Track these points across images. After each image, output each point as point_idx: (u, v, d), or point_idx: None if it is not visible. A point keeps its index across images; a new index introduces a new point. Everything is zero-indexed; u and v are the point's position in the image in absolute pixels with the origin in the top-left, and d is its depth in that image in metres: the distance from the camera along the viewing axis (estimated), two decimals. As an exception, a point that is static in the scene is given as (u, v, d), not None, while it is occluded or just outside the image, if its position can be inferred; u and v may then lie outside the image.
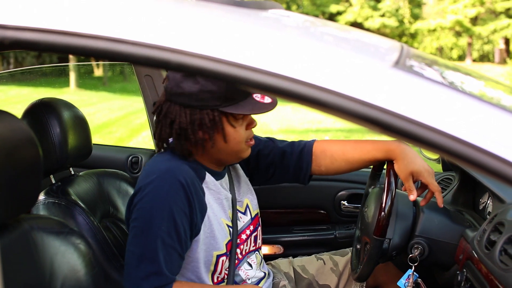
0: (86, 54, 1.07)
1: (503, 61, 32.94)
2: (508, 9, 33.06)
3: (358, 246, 2.34)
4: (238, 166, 2.28)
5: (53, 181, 2.32)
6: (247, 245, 2.17)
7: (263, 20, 1.18)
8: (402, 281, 2.18)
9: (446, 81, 1.13)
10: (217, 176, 2.06)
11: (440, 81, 1.08)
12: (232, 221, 2.09)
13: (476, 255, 1.88)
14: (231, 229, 2.07)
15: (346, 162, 2.30)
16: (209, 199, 1.98)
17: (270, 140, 2.39)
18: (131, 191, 2.58)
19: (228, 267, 2.06)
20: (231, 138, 1.94)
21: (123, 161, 3.28)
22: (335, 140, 2.42)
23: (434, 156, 2.93)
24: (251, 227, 2.20)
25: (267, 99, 1.93)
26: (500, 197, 2.06)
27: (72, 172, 2.47)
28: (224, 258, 2.03)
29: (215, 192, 2.02)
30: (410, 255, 2.13)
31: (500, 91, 1.33)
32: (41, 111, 2.19)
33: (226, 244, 2.03)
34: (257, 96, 1.93)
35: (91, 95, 18.28)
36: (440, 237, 2.13)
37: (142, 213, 1.86)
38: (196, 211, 1.90)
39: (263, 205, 2.84)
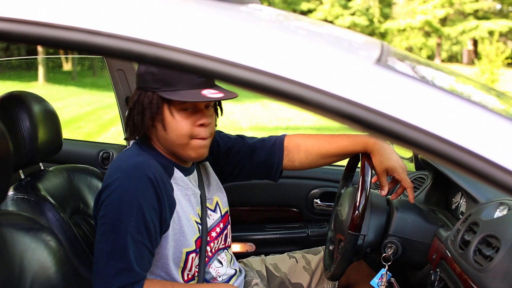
0: (60, 46, 1.04)
1: (471, 62, 33.31)
2: (476, 11, 33.50)
3: (331, 248, 2.33)
4: (207, 164, 2.26)
5: (22, 176, 2.27)
6: (217, 243, 2.16)
7: (243, 15, 1.16)
8: (375, 281, 2.18)
9: (428, 79, 1.12)
10: (186, 172, 2.05)
11: (421, 79, 1.06)
12: (201, 218, 2.07)
13: (450, 255, 1.88)
14: (200, 226, 2.05)
15: (321, 156, 2.29)
16: (177, 195, 1.97)
17: (240, 137, 2.38)
18: (102, 187, 2.55)
19: (198, 265, 2.04)
20: (169, 128, 1.91)
21: (94, 156, 3.24)
22: (308, 134, 2.41)
23: (408, 154, 2.94)
24: (221, 225, 2.19)
25: (215, 95, 1.84)
26: (474, 197, 2.06)
27: (42, 167, 2.42)
28: (193, 255, 2.02)
29: (183, 188, 2.01)
30: (384, 254, 2.13)
31: (483, 92, 1.33)
32: (11, 105, 2.14)
33: (196, 241, 2.02)
34: (207, 91, 1.86)
35: (60, 89, 18.12)
36: (413, 236, 2.13)
37: (110, 209, 1.83)
38: (165, 206, 1.88)
39: (235, 202, 2.83)
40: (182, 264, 2.00)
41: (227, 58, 0.97)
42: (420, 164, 2.86)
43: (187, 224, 1.99)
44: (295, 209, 3.14)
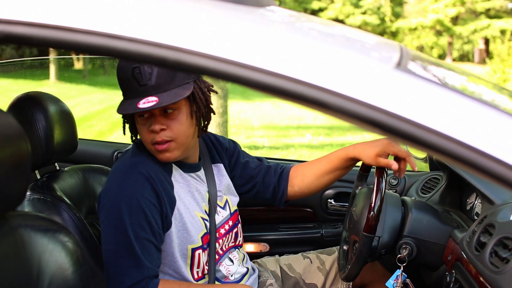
0: (81, 49, 1.05)
1: (482, 61, 33.17)
2: (488, 10, 33.34)
3: (345, 247, 2.33)
4: (222, 166, 2.29)
5: (38, 177, 2.29)
6: (227, 241, 2.18)
7: (261, 18, 1.16)
8: (390, 282, 2.18)
9: (447, 83, 1.12)
10: (188, 169, 2.08)
11: (441, 83, 1.06)
12: (209, 215, 2.10)
13: (465, 256, 1.88)
14: (206, 223, 2.07)
15: (315, 176, 2.34)
16: (179, 192, 2.01)
17: (259, 159, 2.44)
18: (116, 187, 2.57)
19: (208, 262, 2.07)
20: (139, 133, 1.99)
21: (108, 156, 3.25)
22: (306, 161, 2.48)
23: (422, 155, 2.94)
24: (230, 222, 2.21)
25: (147, 104, 1.82)
26: (490, 198, 2.06)
27: (57, 167, 2.44)
28: (200, 251, 2.04)
29: (184, 185, 2.04)
30: (399, 256, 2.13)
31: (503, 95, 1.33)
32: (27, 105, 2.16)
33: (202, 237, 2.05)
34: (145, 99, 1.84)
35: (71, 87, 18.17)
36: (428, 237, 2.13)
37: (111, 210, 1.88)
38: (164, 202, 1.92)
39: (249, 202, 2.83)
40: (189, 261, 2.03)
41: (246, 62, 0.98)
42: (434, 165, 2.86)
43: (191, 221, 2.02)
44: (309, 209, 3.14)
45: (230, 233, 2.20)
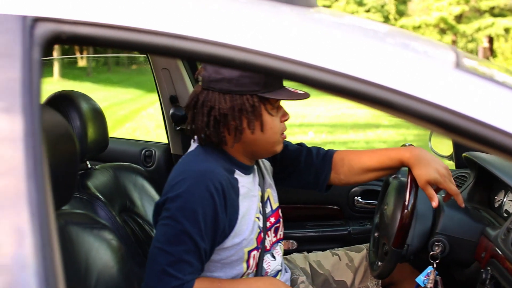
0: (146, 50, 1.07)
1: (486, 60, 33.04)
2: (492, 8, 33.19)
3: (376, 234, 2.35)
4: (265, 159, 2.30)
5: (72, 175, 2.30)
6: (268, 236, 2.18)
7: (318, 18, 1.18)
8: (421, 278, 2.19)
9: (505, 81, 1.14)
10: (247, 171, 2.07)
11: (498, 81, 1.08)
12: (262, 214, 2.10)
13: (501, 253, 1.90)
14: (260, 223, 2.07)
15: (362, 170, 2.31)
16: (243, 197, 1.99)
17: (299, 143, 2.45)
18: (146, 185, 2.58)
19: (259, 259, 2.08)
20: (268, 127, 1.95)
21: (136, 154, 3.26)
22: (353, 150, 2.46)
23: (447, 152, 2.95)
24: (272, 219, 2.20)
25: (300, 90, 1.94)
26: None
27: (89, 166, 2.45)
28: (255, 252, 2.04)
29: (247, 189, 2.02)
30: (431, 253, 2.14)
31: None
32: (61, 104, 2.18)
33: (256, 238, 2.04)
34: (290, 88, 1.97)
35: (75, 85, 18.12)
36: (460, 234, 2.14)
37: (172, 213, 1.84)
38: (223, 217, 1.89)
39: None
40: (245, 264, 2.02)
41: (312, 62, 0.99)
42: (461, 162, 2.86)
43: (250, 225, 2.01)
44: (335, 207, 3.15)
45: (271, 229, 2.20)
